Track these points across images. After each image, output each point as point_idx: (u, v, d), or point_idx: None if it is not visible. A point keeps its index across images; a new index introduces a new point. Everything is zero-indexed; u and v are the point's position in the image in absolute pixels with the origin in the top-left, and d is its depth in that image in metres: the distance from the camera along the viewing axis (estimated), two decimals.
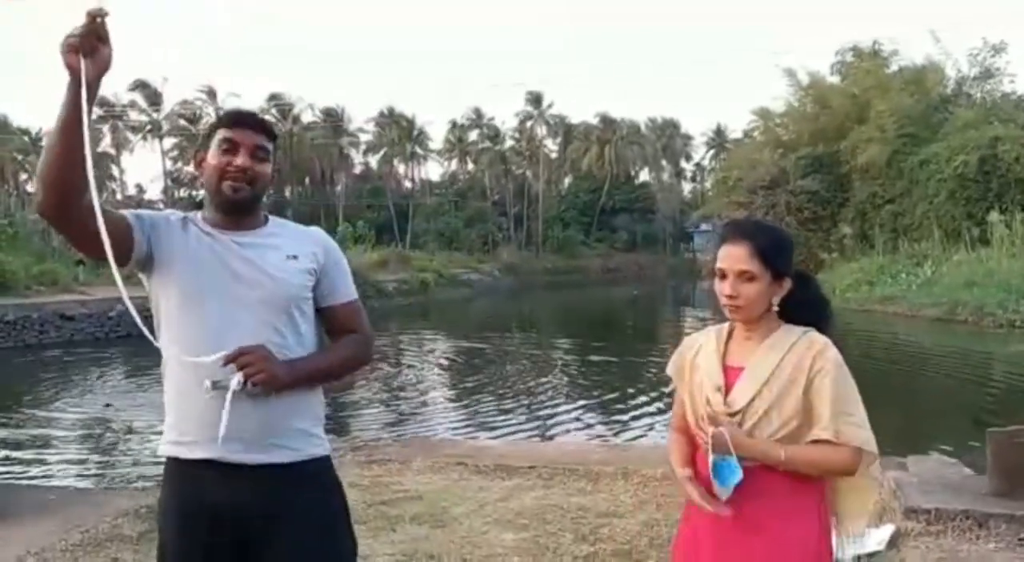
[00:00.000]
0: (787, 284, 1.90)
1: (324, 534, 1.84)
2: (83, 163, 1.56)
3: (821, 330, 1.91)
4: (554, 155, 70.63)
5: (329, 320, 1.94)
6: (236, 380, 1.69)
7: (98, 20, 1.50)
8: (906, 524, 3.91)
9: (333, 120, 57.81)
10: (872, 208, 29.89)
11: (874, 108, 29.49)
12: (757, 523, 1.86)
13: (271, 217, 1.95)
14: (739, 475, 1.81)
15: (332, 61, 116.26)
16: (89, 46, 1.51)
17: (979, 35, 43.98)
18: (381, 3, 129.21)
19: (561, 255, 59.66)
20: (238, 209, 1.84)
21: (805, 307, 1.94)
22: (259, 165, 1.83)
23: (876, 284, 25.34)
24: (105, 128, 52.32)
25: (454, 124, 65.99)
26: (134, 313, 1.67)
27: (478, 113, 66.08)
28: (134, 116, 51.95)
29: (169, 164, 51.21)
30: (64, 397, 12.50)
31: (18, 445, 9.29)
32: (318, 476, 1.87)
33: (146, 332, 1.77)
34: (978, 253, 23.45)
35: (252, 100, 52.47)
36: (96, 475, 7.94)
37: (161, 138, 51.42)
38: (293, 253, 1.86)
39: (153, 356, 1.85)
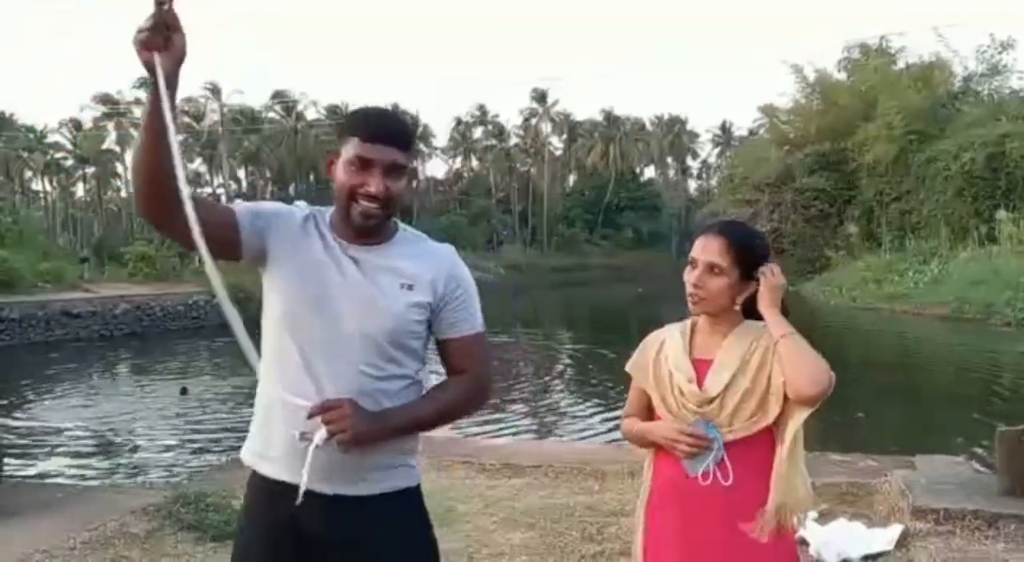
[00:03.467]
0: (753, 287, 1.94)
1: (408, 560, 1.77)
2: (170, 160, 1.46)
3: None
4: (559, 152, 70.66)
5: (443, 354, 1.78)
6: (319, 436, 1.59)
7: (164, 7, 1.41)
8: (914, 524, 3.88)
9: (337, 117, 57.86)
10: (879, 206, 29.83)
11: (881, 105, 29.39)
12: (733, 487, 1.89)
13: (401, 227, 1.76)
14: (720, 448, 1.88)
15: (336, 58, 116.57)
16: (161, 38, 1.42)
17: (987, 31, 43.84)
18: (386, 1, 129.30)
19: (566, 253, 59.66)
20: (367, 231, 1.69)
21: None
22: (394, 184, 1.64)
23: (883, 282, 25.27)
24: (110, 125, 52.45)
25: (459, 121, 66.03)
26: (232, 320, 1.45)
27: (483, 110, 66.17)
28: (138, 113, 52.04)
29: None
30: (70, 395, 12.54)
31: (25, 443, 9.31)
32: (403, 507, 1.76)
33: (242, 344, 1.50)
34: (986, 251, 23.34)
35: (256, 97, 52.44)
36: (103, 473, 7.96)
37: None
38: (409, 281, 1.68)
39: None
